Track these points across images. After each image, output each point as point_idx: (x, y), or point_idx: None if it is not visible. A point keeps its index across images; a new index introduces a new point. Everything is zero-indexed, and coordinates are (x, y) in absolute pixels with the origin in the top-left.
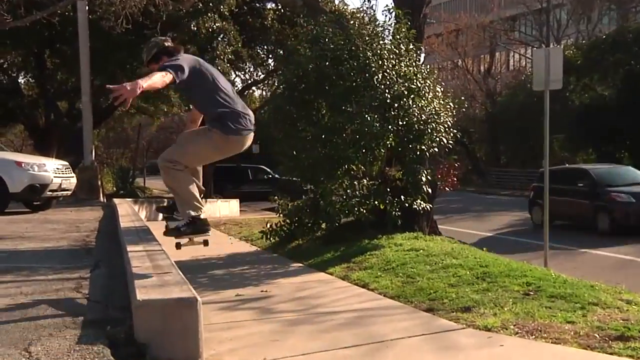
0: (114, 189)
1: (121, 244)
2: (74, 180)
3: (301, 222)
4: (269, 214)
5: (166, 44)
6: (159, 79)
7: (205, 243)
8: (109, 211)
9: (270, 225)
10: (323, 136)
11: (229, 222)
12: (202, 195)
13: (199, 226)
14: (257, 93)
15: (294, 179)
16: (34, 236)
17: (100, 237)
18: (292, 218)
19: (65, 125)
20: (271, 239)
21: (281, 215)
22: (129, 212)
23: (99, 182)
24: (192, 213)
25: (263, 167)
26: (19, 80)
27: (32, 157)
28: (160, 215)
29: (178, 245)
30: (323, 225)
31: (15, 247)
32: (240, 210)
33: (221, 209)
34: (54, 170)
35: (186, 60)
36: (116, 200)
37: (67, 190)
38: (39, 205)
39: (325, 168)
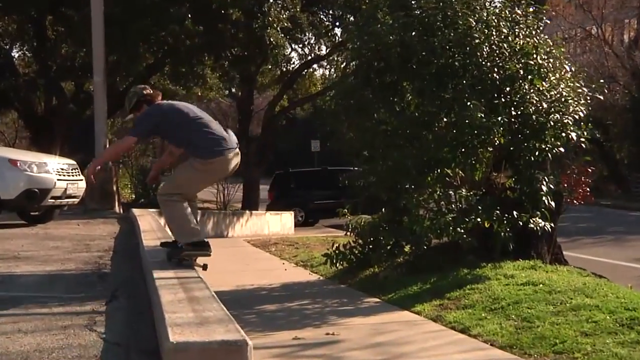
0: (133, 196)
1: (144, 267)
2: (82, 185)
3: (378, 244)
4: (333, 232)
5: (144, 92)
6: (118, 147)
7: (204, 267)
8: (126, 225)
9: (337, 247)
10: (408, 130)
11: (281, 241)
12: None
13: (199, 245)
14: (319, 73)
15: (368, 186)
16: (32, 257)
17: (117, 258)
18: (366, 238)
19: (71, 113)
20: (338, 264)
21: (351, 234)
22: (153, 227)
23: (114, 188)
24: (194, 239)
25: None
26: (13, 55)
27: (30, 154)
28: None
29: (205, 267)
30: (407, 249)
31: (9, 271)
32: (295, 226)
33: (270, 224)
34: (57, 172)
35: (153, 115)
36: (136, 212)
37: (74, 197)
38: (37, 216)
39: (411, 173)
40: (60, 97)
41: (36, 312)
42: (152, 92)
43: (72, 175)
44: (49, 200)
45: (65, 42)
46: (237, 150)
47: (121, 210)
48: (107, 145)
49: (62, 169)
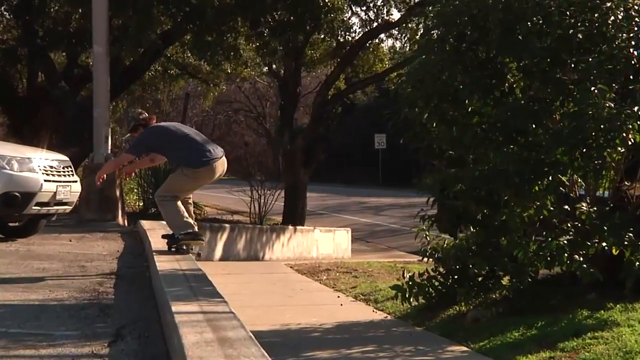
0: (141, 204)
1: (158, 298)
2: (77, 188)
3: (465, 274)
4: (403, 256)
5: (141, 117)
6: (116, 163)
7: (199, 255)
8: (133, 242)
9: (410, 277)
10: (511, 123)
11: (334, 267)
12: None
13: (193, 234)
14: (388, 45)
15: (454, 196)
16: (11, 281)
17: (122, 285)
18: (450, 266)
19: (62, 94)
20: (412, 300)
21: (429, 259)
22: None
23: (117, 193)
24: (188, 230)
25: None
26: None
27: (8, 147)
28: (218, 254)
29: (199, 255)
30: (505, 281)
31: None
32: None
33: (320, 244)
34: (44, 170)
35: (146, 137)
36: (145, 224)
37: (66, 204)
38: (17, 228)
39: (513, 180)
40: (49, 72)
41: (18, 356)
42: (147, 116)
43: (64, 175)
44: (34, 208)
45: (56, 0)
46: (223, 158)
47: (126, 222)
48: (109, 137)
49: (51, 167)
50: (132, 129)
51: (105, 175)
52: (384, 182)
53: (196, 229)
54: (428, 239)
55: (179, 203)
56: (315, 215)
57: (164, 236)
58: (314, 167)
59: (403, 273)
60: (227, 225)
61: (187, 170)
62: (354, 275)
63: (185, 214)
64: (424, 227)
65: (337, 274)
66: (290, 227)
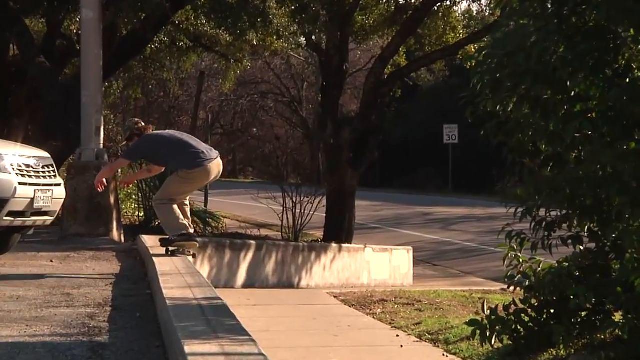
0: (142, 214)
1: (166, 336)
2: (60, 193)
3: (565, 307)
4: (481, 283)
5: (137, 126)
6: (112, 168)
7: (194, 255)
8: (132, 263)
9: (492, 310)
10: (627, 112)
11: (392, 296)
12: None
13: (186, 236)
14: (462, 8)
15: (549, 206)
16: None
17: (119, 318)
18: (545, 296)
19: (41, 72)
20: (494, 340)
21: (516, 288)
22: (178, 268)
23: (112, 200)
24: (182, 232)
25: None
26: None
27: None
28: (241, 279)
29: (194, 255)
30: (617, 317)
31: None
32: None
33: (373, 267)
34: (18, 170)
35: (142, 144)
36: (147, 240)
37: (46, 214)
38: None
39: (629, 185)
40: (24, 44)
41: None
42: (143, 125)
43: (44, 177)
44: (5, 219)
45: None
46: (218, 160)
47: (122, 238)
48: (101, 128)
49: (27, 167)
50: (127, 137)
51: (105, 180)
52: (455, 187)
53: (191, 230)
54: (520, 261)
55: (175, 206)
56: (366, 229)
57: (161, 240)
58: (365, 168)
59: (482, 305)
60: (252, 242)
61: (181, 172)
62: (418, 307)
63: (181, 216)
64: (514, 246)
65: (396, 306)
66: (334, 244)
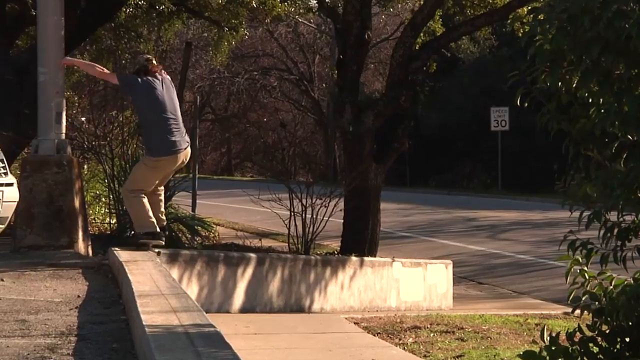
0: (114, 221)
1: None
2: (11, 195)
3: None
4: (539, 306)
5: (146, 62)
6: (103, 72)
7: (158, 253)
8: (103, 282)
9: (552, 339)
10: None
11: (427, 323)
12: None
13: (152, 234)
14: None
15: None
16: None
17: (87, 351)
18: (619, 321)
19: None
20: None
21: (583, 312)
22: (159, 288)
23: (77, 203)
24: (148, 230)
25: None
26: None
27: None
28: (238, 302)
29: (159, 253)
30: None
31: None
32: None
33: (403, 285)
34: None
35: (137, 83)
36: (122, 254)
37: None
38: None
39: None
40: None
41: None
42: (153, 64)
43: None
44: None
45: None
46: (187, 150)
47: (89, 251)
48: (63, 113)
49: None
50: (135, 71)
51: (71, 60)
52: (506, 185)
53: (157, 228)
54: (586, 277)
55: (145, 199)
56: (394, 239)
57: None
58: (393, 162)
59: (541, 333)
60: (252, 255)
61: (147, 159)
62: (459, 336)
63: (150, 213)
64: (579, 259)
65: (432, 335)
66: (354, 258)
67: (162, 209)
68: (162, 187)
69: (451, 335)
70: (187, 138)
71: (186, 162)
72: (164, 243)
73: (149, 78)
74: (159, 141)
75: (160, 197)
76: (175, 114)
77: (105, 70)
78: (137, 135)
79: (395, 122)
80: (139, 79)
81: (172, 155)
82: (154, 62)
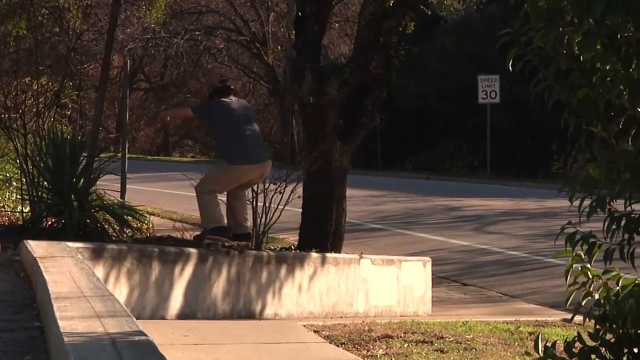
0: (28, 209)
1: None
2: None
3: None
4: (533, 311)
5: (220, 85)
6: (180, 111)
7: (227, 252)
8: (12, 282)
9: (547, 349)
10: None
11: (400, 331)
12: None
13: (221, 230)
14: None
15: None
16: None
17: None
18: (626, 329)
19: None
20: None
21: (585, 319)
22: (81, 289)
23: None
24: (216, 225)
25: None
26: None
27: None
28: (175, 306)
29: (228, 252)
30: None
31: None
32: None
33: (372, 286)
34: None
35: (212, 106)
36: (36, 248)
37: None
38: None
39: None
40: None
41: None
42: (228, 88)
43: None
44: None
45: None
46: (267, 162)
47: None
48: None
49: None
50: (210, 95)
51: (168, 119)
52: (495, 168)
53: (226, 223)
54: (590, 276)
55: (217, 197)
56: (363, 231)
57: (195, 236)
58: (362, 141)
59: (535, 343)
60: (192, 250)
61: (224, 165)
62: (439, 347)
63: (219, 207)
64: (582, 255)
65: (406, 346)
66: (315, 254)
67: (245, 215)
68: (245, 193)
69: (429, 346)
70: (268, 152)
71: (265, 174)
72: (231, 238)
73: (224, 99)
74: (236, 150)
75: (243, 202)
76: (253, 128)
77: (179, 110)
78: (54, 106)
79: (365, 93)
80: (214, 101)
81: (249, 164)
82: (231, 87)
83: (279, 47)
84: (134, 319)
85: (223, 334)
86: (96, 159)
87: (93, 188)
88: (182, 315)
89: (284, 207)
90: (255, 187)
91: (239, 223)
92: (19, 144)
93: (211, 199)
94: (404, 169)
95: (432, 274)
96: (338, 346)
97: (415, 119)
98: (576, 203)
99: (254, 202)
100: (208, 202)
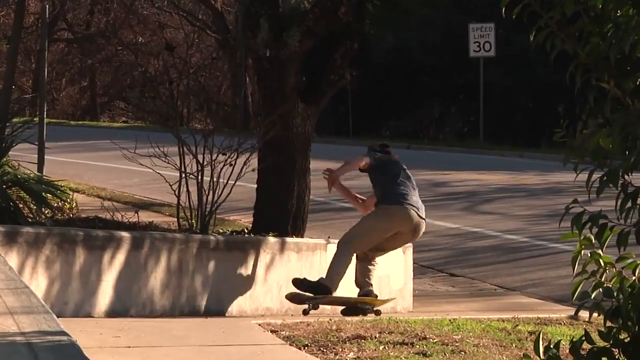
0: None
1: None
2: None
3: None
4: (533, 307)
5: (381, 146)
6: (356, 160)
7: (305, 312)
8: None
9: (549, 349)
10: None
11: (375, 330)
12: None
13: (331, 299)
14: None
15: None
16: None
17: None
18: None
19: None
20: None
21: (592, 313)
22: None
23: None
24: (331, 286)
25: None
26: None
27: None
28: (104, 301)
29: (306, 312)
30: None
31: None
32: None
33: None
34: None
35: (381, 156)
36: None
37: None
38: None
39: None
40: None
41: None
42: (390, 152)
43: None
44: None
45: None
46: (423, 219)
47: None
48: None
49: None
50: (369, 147)
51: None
52: (490, 136)
53: (336, 290)
54: (601, 264)
55: (352, 260)
56: (330, 211)
57: (297, 281)
58: (329, 102)
59: (535, 344)
60: (125, 234)
61: (379, 207)
62: (420, 350)
63: (343, 275)
64: (592, 239)
65: (382, 348)
66: (273, 238)
67: (370, 278)
68: (377, 261)
69: (409, 349)
70: (424, 212)
71: (419, 236)
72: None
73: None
74: (396, 191)
75: (371, 269)
76: (412, 183)
77: (353, 160)
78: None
79: (332, 45)
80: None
81: (407, 207)
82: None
83: None
84: (55, 317)
85: (161, 334)
86: (8, 124)
87: (4, 159)
88: (113, 312)
89: (235, 182)
90: (200, 158)
91: (363, 281)
92: None
93: (347, 260)
94: (381, 136)
95: (414, 263)
96: (300, 349)
97: (394, 76)
98: (584, 177)
99: (199, 177)
100: (342, 261)
